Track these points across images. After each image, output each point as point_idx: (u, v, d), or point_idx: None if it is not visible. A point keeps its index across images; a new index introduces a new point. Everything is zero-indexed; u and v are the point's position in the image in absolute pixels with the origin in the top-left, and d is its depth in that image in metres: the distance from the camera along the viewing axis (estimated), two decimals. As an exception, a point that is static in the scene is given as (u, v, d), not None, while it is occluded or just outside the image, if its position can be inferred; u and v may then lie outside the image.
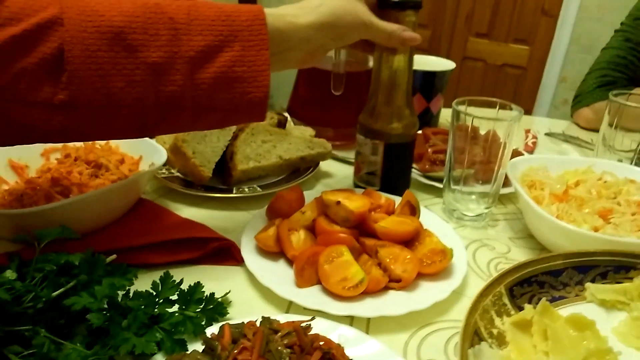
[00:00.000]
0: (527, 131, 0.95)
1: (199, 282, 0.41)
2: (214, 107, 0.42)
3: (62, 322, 0.37)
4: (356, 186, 0.66)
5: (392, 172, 0.63)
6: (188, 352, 0.34)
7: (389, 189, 0.62)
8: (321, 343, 0.33)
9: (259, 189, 0.65)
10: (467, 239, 0.59)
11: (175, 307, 0.39)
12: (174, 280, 0.40)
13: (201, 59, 0.40)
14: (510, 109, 0.58)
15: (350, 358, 0.34)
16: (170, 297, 0.39)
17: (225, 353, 0.31)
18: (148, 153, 0.63)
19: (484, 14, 2.52)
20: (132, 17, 0.38)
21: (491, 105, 0.59)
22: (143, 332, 0.35)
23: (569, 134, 0.97)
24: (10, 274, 0.36)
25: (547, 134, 0.98)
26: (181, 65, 0.39)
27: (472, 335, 0.37)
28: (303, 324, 0.35)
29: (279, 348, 0.31)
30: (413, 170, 0.73)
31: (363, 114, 0.62)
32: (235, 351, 0.31)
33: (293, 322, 0.35)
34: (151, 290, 0.39)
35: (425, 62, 0.89)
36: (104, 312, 0.36)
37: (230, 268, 0.51)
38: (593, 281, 0.45)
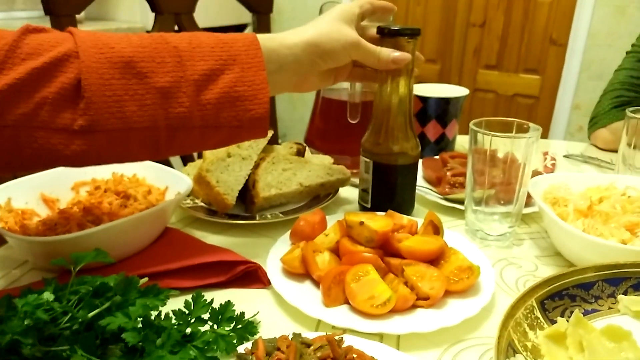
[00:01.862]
0: (545, 153, 0.95)
1: (229, 300, 0.41)
2: (219, 125, 0.45)
3: (97, 342, 0.37)
4: (360, 206, 0.68)
5: (381, 193, 0.64)
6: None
7: (379, 209, 0.63)
8: (354, 355, 0.33)
9: (281, 215, 0.66)
10: (492, 258, 0.58)
11: (207, 327, 0.39)
12: (205, 300, 0.40)
13: (205, 81, 0.44)
14: (527, 129, 0.59)
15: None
16: (202, 316, 0.40)
17: (260, 365, 0.32)
18: (173, 183, 0.64)
19: (492, 47, 2.56)
20: (139, 48, 0.42)
21: (508, 126, 0.60)
22: (177, 350, 0.36)
23: (588, 155, 0.96)
24: (48, 296, 0.37)
25: (565, 156, 0.98)
26: (187, 88, 0.43)
27: (507, 348, 0.36)
28: (336, 337, 0.35)
29: (313, 360, 0.31)
30: (433, 193, 0.73)
31: (366, 132, 0.65)
32: (270, 363, 0.31)
33: (324, 335, 0.35)
34: (184, 309, 0.39)
35: (439, 90, 0.91)
36: (139, 332, 0.36)
37: (257, 291, 0.51)
38: (625, 293, 0.45)
